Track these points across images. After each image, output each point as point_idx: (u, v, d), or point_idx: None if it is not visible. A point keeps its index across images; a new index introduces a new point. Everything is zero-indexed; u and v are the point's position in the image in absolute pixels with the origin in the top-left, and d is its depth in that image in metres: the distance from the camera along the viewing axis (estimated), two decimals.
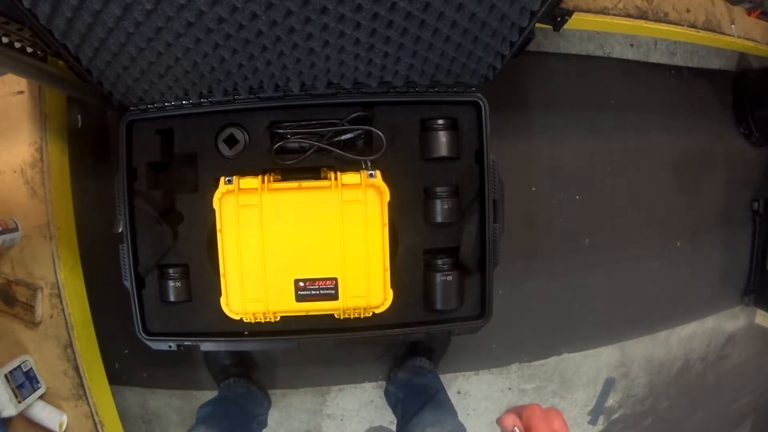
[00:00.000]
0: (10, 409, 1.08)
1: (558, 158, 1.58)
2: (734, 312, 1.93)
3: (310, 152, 1.02)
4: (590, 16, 1.32)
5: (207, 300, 1.03)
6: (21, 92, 1.11)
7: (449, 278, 1.04)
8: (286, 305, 0.94)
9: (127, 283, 1.02)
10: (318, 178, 0.98)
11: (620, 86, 1.65)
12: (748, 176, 1.88)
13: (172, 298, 1.04)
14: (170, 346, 1.03)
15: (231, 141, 1.03)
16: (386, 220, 0.94)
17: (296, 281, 0.94)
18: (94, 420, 1.18)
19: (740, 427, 2.13)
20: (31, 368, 1.15)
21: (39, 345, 1.16)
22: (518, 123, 1.52)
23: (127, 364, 1.34)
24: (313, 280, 0.94)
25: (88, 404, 1.18)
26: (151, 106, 1.00)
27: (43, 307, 1.16)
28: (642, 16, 1.39)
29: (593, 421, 1.72)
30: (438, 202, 1.03)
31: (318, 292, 0.94)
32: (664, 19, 1.43)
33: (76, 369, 1.17)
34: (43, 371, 1.16)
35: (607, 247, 1.63)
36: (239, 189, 0.91)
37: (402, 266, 1.06)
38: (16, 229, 1.12)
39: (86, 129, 1.27)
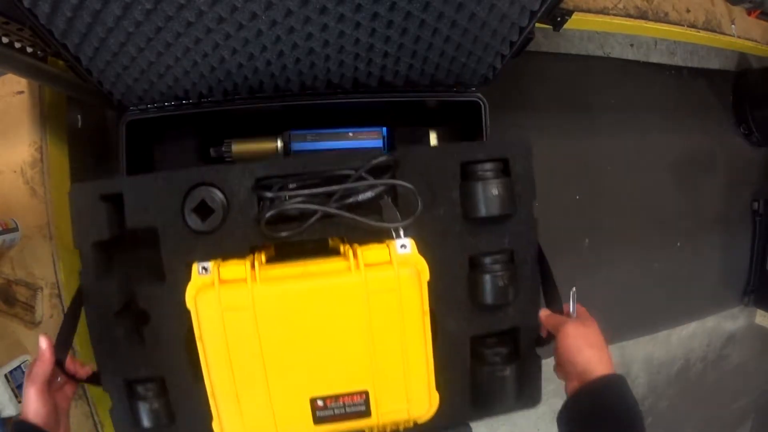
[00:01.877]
0: (10, 409, 1.08)
1: (558, 158, 1.57)
2: (734, 312, 1.93)
3: (313, 219, 0.74)
4: (590, 16, 1.32)
5: (196, 420, 0.75)
6: (21, 92, 1.11)
7: (505, 373, 0.81)
8: (302, 430, 0.70)
9: None
10: (327, 252, 0.74)
11: (620, 86, 1.65)
12: (748, 176, 1.88)
13: (147, 424, 0.75)
14: None
15: (204, 209, 0.74)
16: (427, 307, 0.69)
17: (313, 400, 0.68)
18: (94, 420, 1.18)
19: (740, 427, 2.13)
20: None
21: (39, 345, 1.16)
22: (518, 123, 1.52)
23: None
24: (336, 397, 0.69)
25: (88, 404, 1.18)
26: (151, 106, 1.00)
27: (43, 307, 1.16)
28: (642, 16, 1.39)
29: None
30: (488, 277, 0.79)
31: (343, 410, 0.70)
32: (664, 19, 1.43)
33: None
34: None
35: (607, 247, 1.63)
36: (220, 281, 0.64)
37: (443, 359, 0.78)
38: (16, 229, 1.12)
39: (86, 129, 1.27)
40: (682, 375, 1.85)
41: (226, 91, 0.98)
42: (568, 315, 0.76)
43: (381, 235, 0.73)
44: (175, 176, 0.74)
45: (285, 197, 0.73)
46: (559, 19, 0.91)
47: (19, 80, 1.10)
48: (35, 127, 1.12)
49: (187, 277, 0.65)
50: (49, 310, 1.16)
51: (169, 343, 0.75)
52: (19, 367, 1.12)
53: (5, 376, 1.08)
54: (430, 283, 0.69)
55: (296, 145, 1.13)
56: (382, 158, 0.75)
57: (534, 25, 0.88)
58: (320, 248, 0.76)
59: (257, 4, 0.76)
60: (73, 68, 0.89)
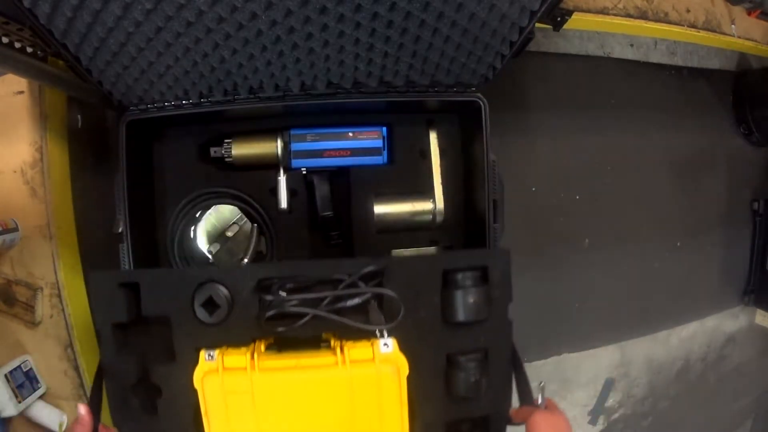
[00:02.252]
0: (10, 409, 1.08)
1: (558, 158, 1.57)
2: (734, 312, 1.93)
3: (306, 319, 0.83)
4: (590, 16, 1.33)
5: None
6: (21, 92, 1.11)
7: None
8: None
9: None
10: (319, 343, 0.84)
11: (620, 86, 1.65)
12: (748, 176, 1.88)
13: None
14: None
15: (211, 304, 0.83)
16: (405, 399, 0.76)
17: None
18: None
19: (740, 427, 2.13)
20: (31, 368, 1.15)
21: (39, 345, 1.16)
22: (518, 123, 1.52)
23: None
24: None
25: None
26: (151, 106, 1.00)
27: (43, 307, 1.16)
28: (642, 16, 1.39)
29: (593, 421, 1.72)
30: (463, 374, 0.86)
31: None
32: (664, 19, 1.43)
33: (76, 369, 1.17)
34: (43, 371, 1.16)
35: (607, 247, 1.63)
36: (224, 368, 0.74)
37: None
38: (16, 229, 1.12)
39: (86, 129, 1.27)
40: (683, 375, 1.85)
41: (226, 91, 0.98)
42: (537, 406, 0.79)
43: (368, 333, 0.80)
44: (187, 273, 0.85)
45: (282, 298, 0.82)
46: (559, 19, 0.91)
47: (19, 80, 1.10)
48: (35, 127, 1.12)
49: (195, 360, 0.75)
50: (49, 310, 1.16)
51: (180, 414, 0.83)
52: (19, 367, 1.12)
53: (5, 376, 1.08)
54: (409, 377, 0.76)
55: (296, 145, 1.13)
56: (371, 267, 0.83)
57: (534, 25, 0.88)
58: (314, 339, 0.85)
59: (257, 4, 0.76)
60: (73, 68, 0.89)
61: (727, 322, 1.92)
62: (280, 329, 0.82)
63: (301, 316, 0.82)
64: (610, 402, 1.73)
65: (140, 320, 0.84)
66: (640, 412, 1.80)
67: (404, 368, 0.75)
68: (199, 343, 0.79)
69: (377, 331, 0.80)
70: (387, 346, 0.76)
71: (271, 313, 0.81)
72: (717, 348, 1.92)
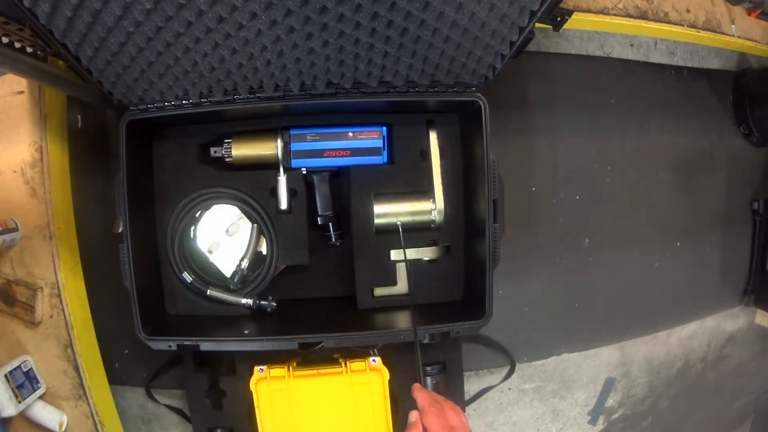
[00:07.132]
0: (10, 409, 1.08)
1: (558, 158, 1.57)
2: (734, 312, 1.92)
3: (321, 344, 1.10)
4: (590, 16, 1.32)
5: None
6: (21, 92, 1.11)
7: None
8: None
9: (127, 283, 1.02)
10: (332, 360, 1.18)
11: (620, 86, 1.65)
12: (748, 176, 1.88)
13: None
14: (170, 346, 1.04)
15: None
16: (387, 393, 1.11)
17: None
18: (94, 420, 1.18)
19: (740, 427, 2.13)
20: (31, 368, 1.15)
21: (39, 345, 1.16)
22: (518, 123, 1.52)
23: (127, 364, 1.34)
24: None
25: (88, 404, 1.18)
26: (151, 106, 1.00)
27: (43, 307, 1.16)
28: (642, 16, 1.39)
29: (593, 421, 1.72)
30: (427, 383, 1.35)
31: None
32: (664, 19, 1.43)
33: (76, 369, 1.17)
34: (43, 371, 1.16)
35: (607, 247, 1.63)
36: (270, 377, 1.10)
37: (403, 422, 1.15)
38: (16, 229, 1.12)
39: (86, 129, 1.27)
40: (682, 375, 1.85)
41: (226, 90, 0.98)
42: None
43: (365, 354, 1.15)
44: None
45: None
46: (559, 19, 0.91)
47: (19, 80, 1.10)
48: (35, 127, 1.12)
49: (250, 374, 1.10)
50: (48, 310, 1.16)
51: (237, 409, 1.25)
52: (19, 367, 1.12)
53: (5, 376, 1.08)
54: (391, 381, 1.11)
55: (296, 145, 1.13)
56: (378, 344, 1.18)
57: (534, 24, 0.88)
58: (329, 357, 1.20)
59: (257, 3, 0.76)
60: (73, 68, 0.89)
61: (726, 322, 1.91)
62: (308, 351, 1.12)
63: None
64: (610, 402, 1.73)
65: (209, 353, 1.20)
66: (640, 412, 1.80)
67: (386, 374, 1.10)
68: (252, 362, 1.12)
69: (370, 351, 1.15)
70: (374, 360, 1.11)
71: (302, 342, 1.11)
72: (717, 348, 1.92)
